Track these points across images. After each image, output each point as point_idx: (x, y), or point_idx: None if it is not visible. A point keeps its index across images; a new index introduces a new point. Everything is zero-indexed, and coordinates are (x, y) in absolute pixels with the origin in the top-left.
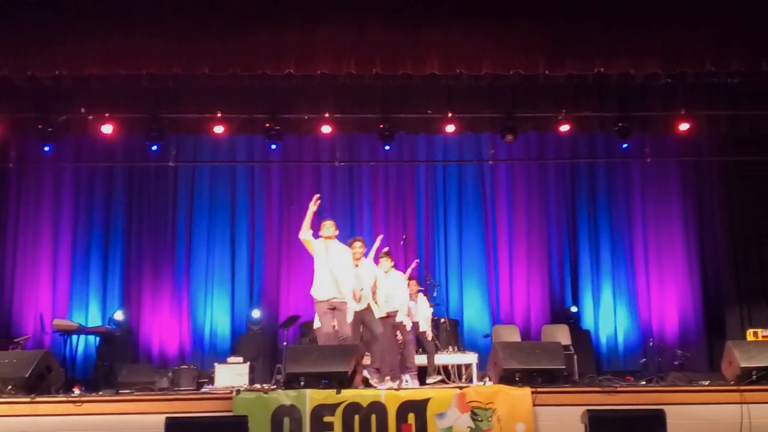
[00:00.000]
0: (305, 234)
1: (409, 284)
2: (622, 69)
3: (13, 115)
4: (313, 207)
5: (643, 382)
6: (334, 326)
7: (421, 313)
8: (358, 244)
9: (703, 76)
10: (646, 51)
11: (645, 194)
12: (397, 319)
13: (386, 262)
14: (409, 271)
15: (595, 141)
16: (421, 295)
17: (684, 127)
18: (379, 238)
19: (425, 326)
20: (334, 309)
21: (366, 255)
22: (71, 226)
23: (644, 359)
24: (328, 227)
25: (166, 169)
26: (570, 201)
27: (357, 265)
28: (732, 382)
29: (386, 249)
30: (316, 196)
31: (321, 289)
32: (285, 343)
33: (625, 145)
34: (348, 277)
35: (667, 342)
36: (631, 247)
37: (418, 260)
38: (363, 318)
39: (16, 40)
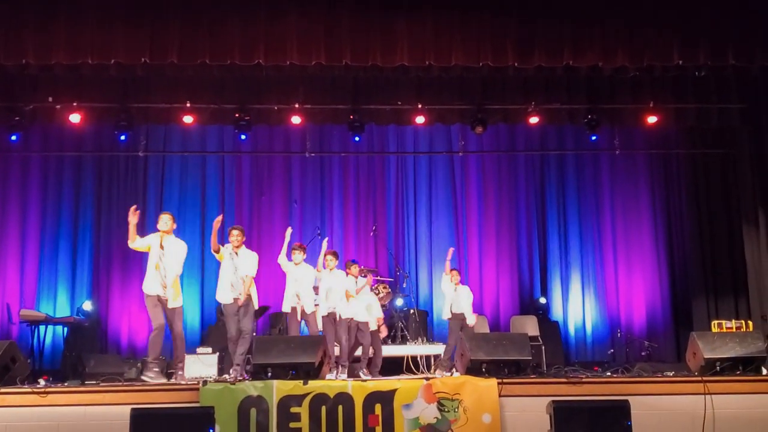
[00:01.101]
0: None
1: (451, 275)
2: (591, 62)
3: None
4: (133, 219)
5: (609, 373)
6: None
7: (464, 302)
8: (235, 232)
9: (671, 70)
10: (614, 44)
11: (614, 186)
12: (344, 316)
13: (298, 255)
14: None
15: (564, 133)
16: (462, 285)
17: (652, 119)
18: (288, 231)
19: (471, 318)
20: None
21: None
22: (39, 216)
23: (612, 350)
24: (165, 221)
25: (136, 159)
26: (539, 193)
27: (237, 254)
28: (696, 373)
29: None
30: (134, 207)
31: (147, 283)
32: (253, 334)
33: (594, 138)
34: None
35: (635, 333)
36: (599, 239)
37: (453, 248)
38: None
39: None
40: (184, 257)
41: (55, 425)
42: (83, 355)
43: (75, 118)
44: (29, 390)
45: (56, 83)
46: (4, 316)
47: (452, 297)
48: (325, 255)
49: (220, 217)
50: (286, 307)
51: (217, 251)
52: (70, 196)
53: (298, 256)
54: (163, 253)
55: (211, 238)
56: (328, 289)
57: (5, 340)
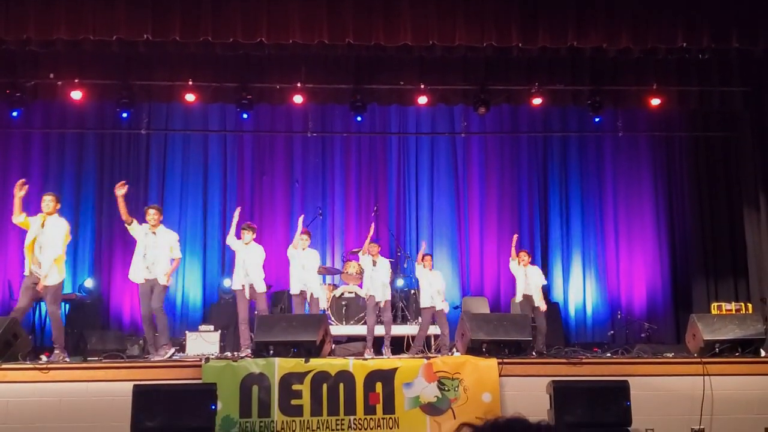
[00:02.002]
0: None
1: (519, 256)
2: (595, 43)
3: None
4: (19, 192)
5: (609, 354)
6: None
7: (533, 283)
8: (152, 211)
9: (675, 52)
10: (619, 26)
11: (616, 168)
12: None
13: (248, 234)
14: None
15: (567, 114)
16: (532, 266)
17: (655, 102)
18: (237, 210)
19: (538, 300)
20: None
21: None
22: (41, 192)
23: (612, 331)
24: (47, 202)
25: (138, 137)
26: (542, 174)
27: (154, 233)
28: (695, 355)
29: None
30: (21, 180)
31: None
32: (255, 312)
33: (597, 119)
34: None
35: (635, 315)
36: (601, 221)
37: (517, 234)
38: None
39: None
40: (63, 237)
41: (57, 401)
42: (85, 332)
43: (76, 94)
44: (31, 366)
45: (58, 59)
46: (6, 293)
47: (523, 279)
48: (301, 234)
49: (121, 183)
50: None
51: (130, 223)
52: (72, 173)
53: (248, 235)
54: (42, 232)
55: (120, 209)
56: (302, 267)
57: (7, 317)
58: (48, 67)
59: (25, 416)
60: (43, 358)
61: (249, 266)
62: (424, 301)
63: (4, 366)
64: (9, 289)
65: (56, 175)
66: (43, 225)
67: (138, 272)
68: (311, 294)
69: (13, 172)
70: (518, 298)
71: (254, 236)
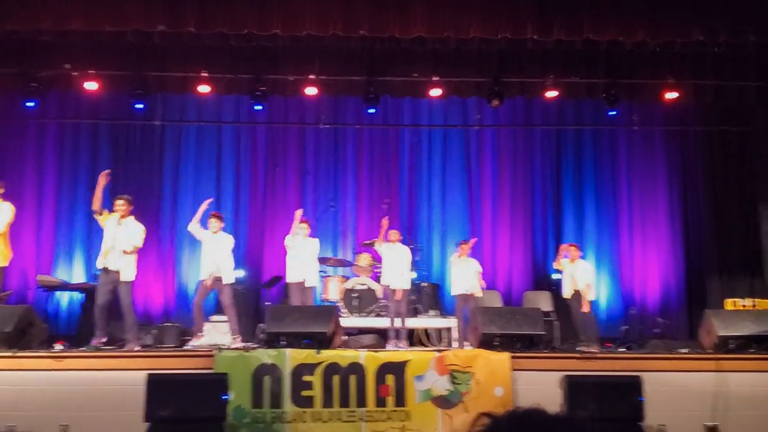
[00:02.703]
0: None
1: (569, 250)
2: (611, 36)
3: None
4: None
5: (622, 349)
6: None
7: (580, 278)
8: (120, 201)
9: (691, 46)
10: (635, 18)
11: (631, 162)
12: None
13: (215, 224)
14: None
15: (582, 108)
16: (582, 260)
17: (671, 96)
18: (206, 201)
19: (590, 293)
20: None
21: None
22: (56, 182)
23: (625, 326)
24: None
25: (153, 128)
26: (555, 168)
27: (121, 224)
28: (709, 351)
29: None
30: (106, 171)
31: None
32: (267, 303)
33: (612, 113)
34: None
35: (649, 310)
36: (615, 215)
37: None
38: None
39: None
40: (10, 219)
41: (71, 389)
42: None
43: (91, 85)
44: (45, 354)
45: (73, 50)
46: (21, 282)
47: (570, 273)
48: (300, 223)
49: (106, 172)
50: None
51: (100, 213)
52: (87, 164)
53: (215, 224)
54: (118, 231)
55: (94, 196)
56: (300, 257)
57: (22, 305)
58: (63, 57)
59: (40, 404)
60: (58, 346)
61: (216, 256)
62: (457, 288)
63: (19, 354)
64: (25, 279)
65: (71, 165)
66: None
67: (101, 260)
68: (305, 282)
69: (29, 162)
70: (566, 293)
71: (222, 225)
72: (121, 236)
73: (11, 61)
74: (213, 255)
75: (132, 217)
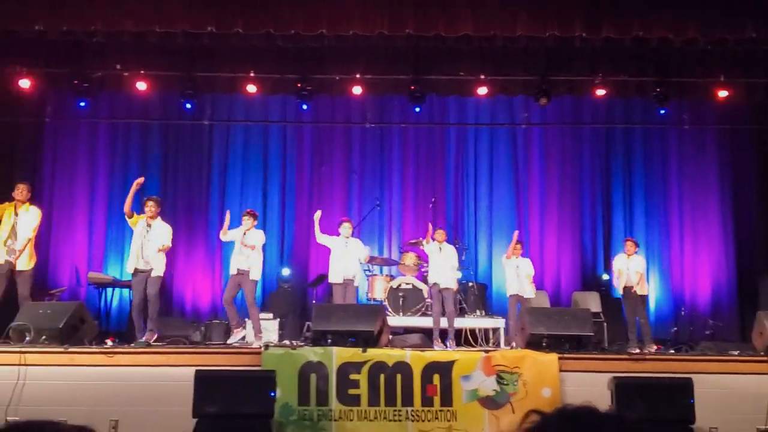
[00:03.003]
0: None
1: (627, 245)
2: (661, 33)
3: (49, 70)
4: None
5: (672, 351)
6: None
7: (635, 270)
8: (150, 203)
9: (743, 43)
10: (686, 16)
11: (681, 161)
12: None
13: (247, 221)
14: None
15: (631, 106)
16: (636, 255)
17: (723, 94)
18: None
19: (642, 287)
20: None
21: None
22: (107, 181)
23: (675, 328)
24: (21, 190)
25: (201, 128)
26: (604, 167)
27: (150, 225)
28: (762, 353)
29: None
30: (140, 179)
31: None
32: (314, 301)
33: (662, 111)
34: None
35: (699, 311)
36: (665, 215)
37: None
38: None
39: None
40: (35, 223)
41: (122, 385)
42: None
43: (142, 85)
44: (97, 350)
45: (124, 51)
46: (73, 279)
47: (625, 270)
48: (342, 223)
49: (140, 179)
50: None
51: (131, 216)
52: (137, 162)
53: (248, 222)
54: (17, 219)
55: (126, 200)
56: (344, 256)
57: (74, 301)
58: (114, 58)
59: (91, 399)
60: (108, 342)
61: (245, 252)
62: (511, 289)
63: (71, 350)
64: (76, 275)
65: (122, 164)
66: (15, 212)
67: (132, 262)
68: (351, 282)
69: (81, 161)
70: (620, 289)
71: (255, 223)
72: (152, 237)
73: (65, 62)
74: (241, 251)
75: (159, 218)
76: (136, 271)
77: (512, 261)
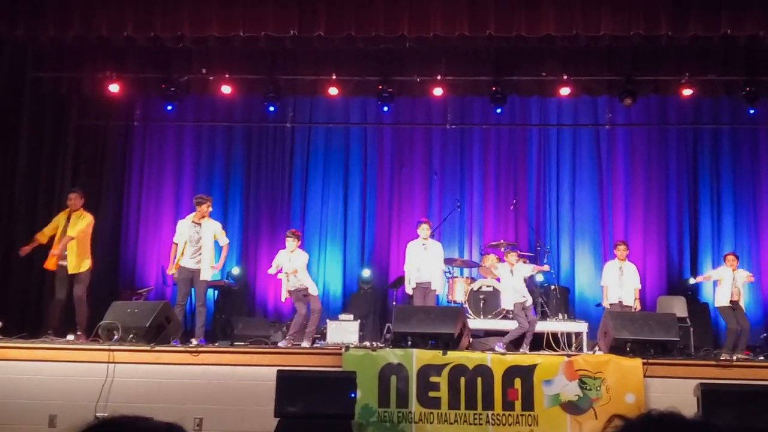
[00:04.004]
0: None
1: (730, 259)
2: (751, 31)
3: (137, 75)
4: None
5: (762, 358)
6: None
7: (738, 283)
8: (203, 203)
9: None
10: None
11: None
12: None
13: (291, 243)
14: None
15: (719, 106)
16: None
17: None
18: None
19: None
20: None
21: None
22: (192, 183)
23: (765, 334)
24: (73, 199)
25: (284, 130)
26: (691, 169)
27: (200, 224)
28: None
29: None
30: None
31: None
32: (394, 303)
33: (752, 111)
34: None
35: None
36: (755, 218)
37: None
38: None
39: (142, 1)
40: (83, 227)
41: (206, 383)
42: (232, 318)
43: (226, 89)
44: (182, 349)
45: (209, 55)
46: (160, 279)
47: (731, 281)
48: (421, 224)
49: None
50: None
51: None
52: (222, 164)
53: (291, 243)
54: (67, 224)
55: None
56: (421, 260)
57: (160, 301)
58: (200, 62)
59: (177, 396)
60: (194, 341)
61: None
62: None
63: (158, 348)
64: (163, 275)
65: (207, 166)
66: (68, 218)
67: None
68: (428, 285)
69: (168, 163)
70: (722, 301)
71: (298, 243)
72: (206, 235)
73: (153, 67)
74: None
75: (207, 217)
76: (182, 269)
77: (612, 266)
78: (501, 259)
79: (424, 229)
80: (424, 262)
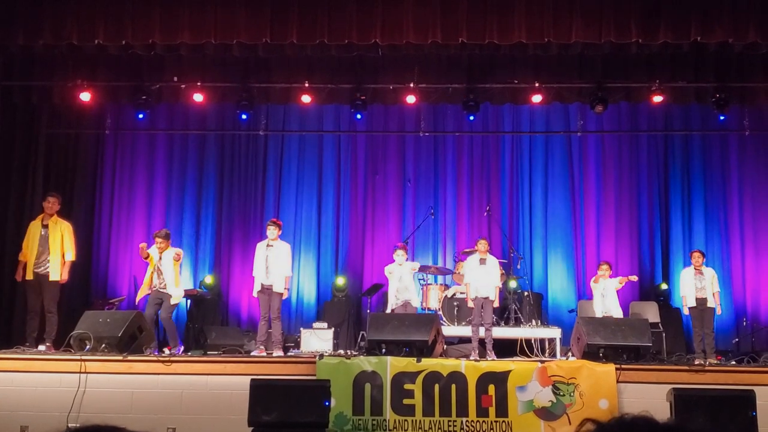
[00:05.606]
0: None
1: (696, 256)
2: (720, 38)
3: (108, 83)
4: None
5: (734, 362)
6: None
7: (707, 281)
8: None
9: None
10: (746, 19)
11: (742, 168)
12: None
13: (273, 231)
14: None
15: (690, 113)
16: (707, 268)
17: None
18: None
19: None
20: None
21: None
22: (164, 192)
23: (737, 339)
24: (51, 203)
25: (257, 138)
26: (662, 174)
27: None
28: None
29: None
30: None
31: None
32: (368, 311)
33: (722, 118)
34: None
35: (761, 322)
36: (726, 224)
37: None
38: None
39: (113, 9)
40: (72, 241)
41: (179, 393)
42: (205, 327)
43: (198, 97)
44: (155, 358)
45: (181, 63)
46: (132, 288)
47: (698, 284)
48: (397, 250)
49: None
50: None
51: (146, 257)
52: (194, 173)
53: (273, 231)
54: (46, 231)
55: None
56: (399, 281)
57: (132, 310)
58: (172, 70)
59: (150, 406)
60: (166, 351)
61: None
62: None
63: (130, 358)
64: (135, 285)
65: (179, 174)
66: (47, 225)
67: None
68: (409, 303)
69: (140, 172)
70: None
71: (279, 233)
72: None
73: (124, 75)
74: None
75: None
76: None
77: (599, 285)
78: None
79: (399, 255)
80: (403, 281)
